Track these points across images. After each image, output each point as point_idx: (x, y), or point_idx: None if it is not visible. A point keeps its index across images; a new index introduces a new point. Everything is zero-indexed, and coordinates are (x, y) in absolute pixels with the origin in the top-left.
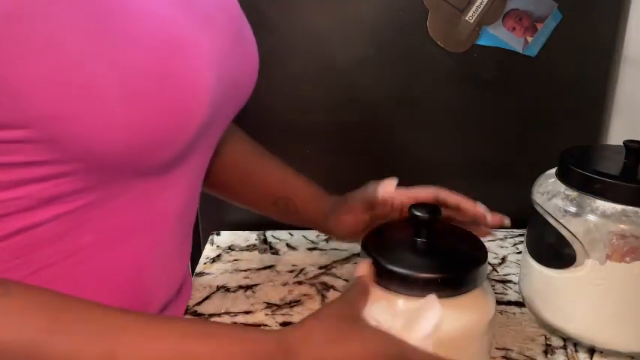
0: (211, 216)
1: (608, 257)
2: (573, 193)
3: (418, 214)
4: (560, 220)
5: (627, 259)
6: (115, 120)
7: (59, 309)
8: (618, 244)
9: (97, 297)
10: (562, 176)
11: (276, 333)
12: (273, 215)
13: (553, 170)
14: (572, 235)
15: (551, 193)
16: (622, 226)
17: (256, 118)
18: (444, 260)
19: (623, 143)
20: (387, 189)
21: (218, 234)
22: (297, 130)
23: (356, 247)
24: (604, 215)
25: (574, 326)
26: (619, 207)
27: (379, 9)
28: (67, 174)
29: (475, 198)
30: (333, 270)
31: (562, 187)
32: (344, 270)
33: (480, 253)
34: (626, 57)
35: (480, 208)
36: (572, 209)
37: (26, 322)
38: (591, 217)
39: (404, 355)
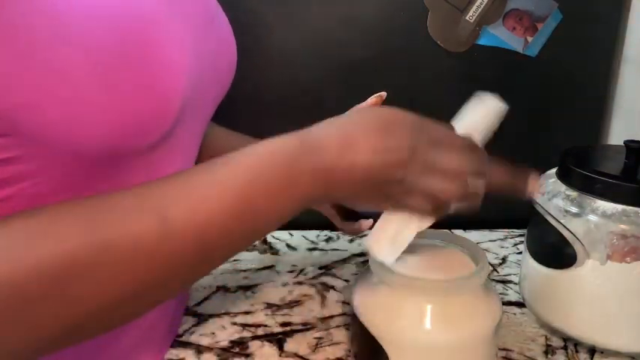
0: None
1: (609, 257)
2: (574, 193)
3: None
4: (561, 220)
5: (628, 259)
6: (90, 103)
7: (94, 204)
8: (619, 245)
9: None
10: (562, 176)
11: (299, 138)
12: None
13: (553, 170)
14: (573, 235)
15: (551, 193)
16: (622, 226)
17: (256, 118)
18: None
19: (624, 143)
20: None
21: None
22: (297, 129)
23: (356, 248)
24: (604, 215)
25: (574, 326)
26: (619, 207)
27: (379, 9)
28: (46, 170)
29: None
30: (333, 270)
31: (562, 187)
32: (344, 270)
33: None
34: (626, 57)
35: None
36: (573, 209)
37: (63, 230)
38: (592, 217)
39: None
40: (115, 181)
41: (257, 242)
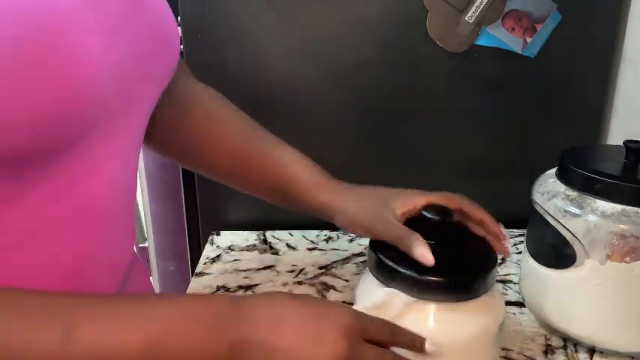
0: (211, 216)
1: (609, 257)
2: (573, 193)
3: (427, 215)
4: (560, 220)
5: (627, 259)
6: None
7: (6, 301)
8: (618, 244)
9: None
10: (562, 176)
11: (232, 298)
12: (272, 202)
13: (553, 170)
14: (572, 235)
15: (551, 193)
16: (622, 226)
17: (257, 119)
18: (452, 264)
19: (623, 143)
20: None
21: (218, 234)
22: (298, 129)
23: (356, 248)
24: (604, 215)
25: (574, 326)
26: (619, 207)
27: (379, 9)
28: None
29: (475, 198)
30: (333, 270)
31: (562, 187)
32: (344, 270)
33: (489, 258)
34: (626, 57)
35: (502, 230)
36: (572, 209)
37: None
38: (591, 217)
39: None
40: (31, 183)
41: (257, 242)
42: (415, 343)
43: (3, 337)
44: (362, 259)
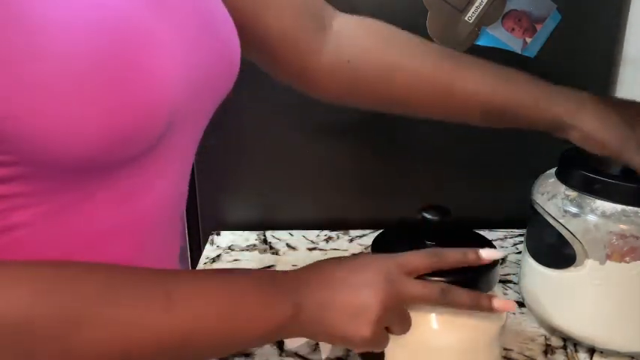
0: (211, 216)
1: (608, 257)
2: (573, 193)
3: (427, 216)
4: (560, 220)
5: (627, 259)
6: (69, 116)
7: (111, 275)
8: (618, 244)
9: None
10: (562, 176)
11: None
12: (480, 124)
13: (553, 170)
14: (572, 235)
15: (551, 193)
16: (622, 226)
17: (257, 119)
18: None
19: None
20: None
21: (218, 234)
22: (298, 130)
23: (356, 248)
24: (604, 215)
25: (574, 326)
26: (619, 207)
27: (379, 9)
28: (22, 176)
29: (475, 198)
30: None
31: (562, 187)
32: None
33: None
34: (626, 57)
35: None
36: (572, 209)
37: (79, 289)
38: (591, 217)
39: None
40: (99, 189)
41: (257, 242)
42: (467, 257)
43: (113, 311)
44: None
